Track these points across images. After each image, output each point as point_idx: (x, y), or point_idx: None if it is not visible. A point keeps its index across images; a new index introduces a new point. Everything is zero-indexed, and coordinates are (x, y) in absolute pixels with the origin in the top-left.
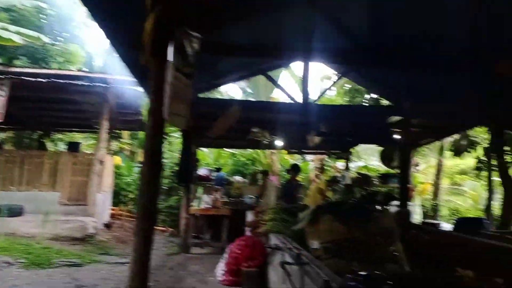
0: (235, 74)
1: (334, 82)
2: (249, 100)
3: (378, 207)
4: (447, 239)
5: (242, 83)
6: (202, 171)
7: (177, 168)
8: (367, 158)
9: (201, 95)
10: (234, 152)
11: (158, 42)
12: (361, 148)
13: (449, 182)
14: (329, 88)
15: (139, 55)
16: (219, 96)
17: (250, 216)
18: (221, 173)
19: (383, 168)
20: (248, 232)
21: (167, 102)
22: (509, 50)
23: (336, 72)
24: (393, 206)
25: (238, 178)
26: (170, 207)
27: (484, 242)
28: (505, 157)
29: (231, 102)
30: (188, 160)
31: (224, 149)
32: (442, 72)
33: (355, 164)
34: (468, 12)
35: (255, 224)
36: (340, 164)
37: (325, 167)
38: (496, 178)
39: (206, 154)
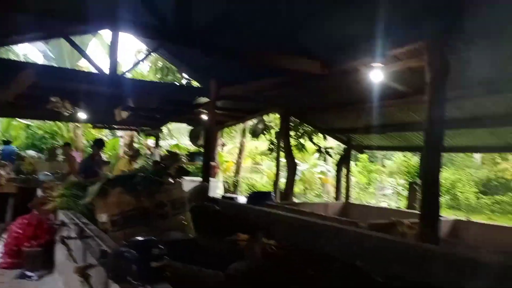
0: (29, 34)
1: (145, 57)
2: (47, 65)
3: (170, 180)
4: (236, 209)
5: (44, 47)
6: None
7: None
8: (180, 137)
9: None
10: (29, 123)
11: None
12: (174, 126)
13: (251, 161)
14: (139, 63)
15: None
16: (14, 58)
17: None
18: (9, 147)
19: (193, 147)
20: (34, 210)
21: None
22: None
23: (147, 47)
24: (195, 181)
25: (32, 152)
26: None
27: (264, 211)
28: (290, 140)
29: (22, 65)
30: None
31: (18, 119)
32: (242, 60)
33: (168, 142)
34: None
35: (42, 201)
36: (151, 141)
37: (134, 144)
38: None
39: None
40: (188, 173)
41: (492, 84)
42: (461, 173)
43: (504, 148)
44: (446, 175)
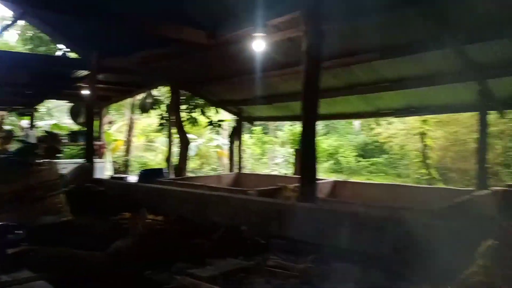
0: None
1: (9, 25)
2: None
3: (40, 161)
4: (124, 188)
5: None
6: None
7: None
8: (60, 116)
9: None
10: None
11: None
12: (54, 104)
13: (144, 139)
14: (4, 31)
15: None
16: None
17: None
18: None
19: (77, 126)
20: None
21: None
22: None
23: (13, 13)
24: (79, 162)
25: None
26: None
27: (153, 187)
28: (182, 114)
29: None
30: None
31: None
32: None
33: (46, 122)
34: None
35: None
36: (26, 121)
37: (6, 126)
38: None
39: None
40: (60, 152)
41: (363, 53)
42: (342, 139)
43: (375, 114)
44: (329, 142)
